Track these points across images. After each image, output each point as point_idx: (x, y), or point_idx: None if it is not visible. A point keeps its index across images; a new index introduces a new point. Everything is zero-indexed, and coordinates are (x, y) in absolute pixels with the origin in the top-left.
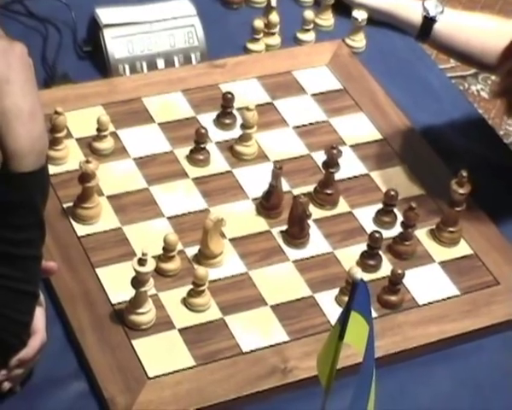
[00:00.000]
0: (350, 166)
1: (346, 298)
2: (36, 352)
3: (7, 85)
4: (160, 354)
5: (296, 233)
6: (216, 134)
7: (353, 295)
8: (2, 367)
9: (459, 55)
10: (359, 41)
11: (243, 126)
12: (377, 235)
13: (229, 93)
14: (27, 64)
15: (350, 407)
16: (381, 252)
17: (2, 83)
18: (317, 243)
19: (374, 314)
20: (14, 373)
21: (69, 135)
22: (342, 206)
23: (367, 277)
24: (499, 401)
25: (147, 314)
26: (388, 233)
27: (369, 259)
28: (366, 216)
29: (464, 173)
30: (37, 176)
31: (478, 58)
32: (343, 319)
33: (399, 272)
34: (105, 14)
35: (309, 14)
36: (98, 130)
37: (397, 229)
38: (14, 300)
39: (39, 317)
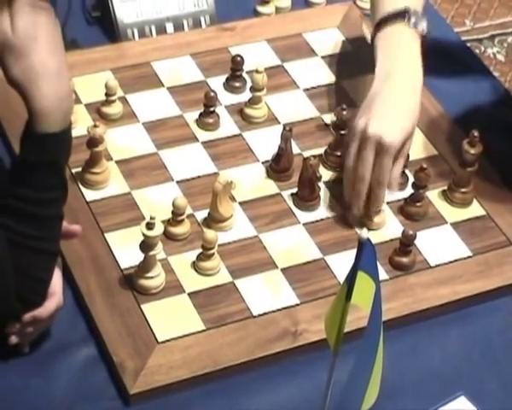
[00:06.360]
0: None
1: None
2: (50, 314)
3: (34, 43)
4: (170, 319)
5: (306, 196)
6: (225, 97)
7: (360, 254)
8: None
9: None
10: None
11: (253, 89)
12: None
13: (239, 56)
14: (54, 23)
15: (354, 368)
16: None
17: (30, 40)
18: (327, 205)
19: (385, 276)
20: (26, 330)
21: (78, 100)
22: None
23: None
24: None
25: (156, 278)
26: (400, 194)
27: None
28: None
29: (476, 133)
30: (63, 136)
31: None
32: (350, 280)
33: (411, 233)
34: None
35: None
36: (107, 95)
37: (408, 190)
38: (35, 259)
39: (57, 280)
